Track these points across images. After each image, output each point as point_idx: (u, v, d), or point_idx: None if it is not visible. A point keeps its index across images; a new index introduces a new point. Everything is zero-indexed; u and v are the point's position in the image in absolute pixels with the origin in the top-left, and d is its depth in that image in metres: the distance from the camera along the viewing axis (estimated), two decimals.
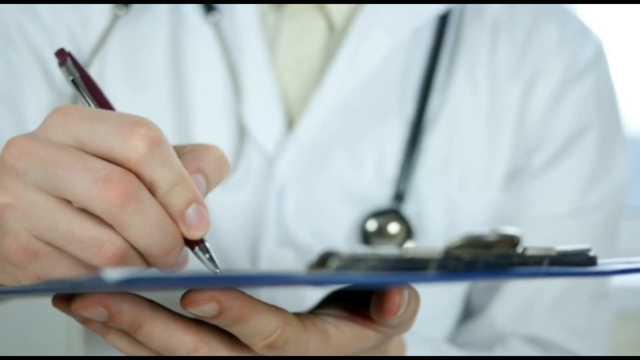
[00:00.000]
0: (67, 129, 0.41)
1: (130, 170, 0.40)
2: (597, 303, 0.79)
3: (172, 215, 0.41)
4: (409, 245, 0.73)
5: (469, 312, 0.80)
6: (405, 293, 0.43)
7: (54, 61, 0.47)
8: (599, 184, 0.78)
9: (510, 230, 0.38)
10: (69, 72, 0.45)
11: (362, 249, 0.37)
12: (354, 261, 0.37)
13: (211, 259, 0.44)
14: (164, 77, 0.74)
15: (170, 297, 0.44)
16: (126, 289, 0.38)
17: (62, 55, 0.46)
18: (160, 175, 0.41)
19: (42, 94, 0.73)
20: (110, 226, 0.41)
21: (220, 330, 0.42)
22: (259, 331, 0.41)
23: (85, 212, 0.41)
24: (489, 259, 0.38)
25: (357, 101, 0.74)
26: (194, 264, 0.45)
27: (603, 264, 0.42)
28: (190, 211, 0.41)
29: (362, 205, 0.73)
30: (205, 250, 0.43)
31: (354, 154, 0.73)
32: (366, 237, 0.73)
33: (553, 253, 0.40)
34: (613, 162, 0.79)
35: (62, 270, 0.42)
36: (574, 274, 0.44)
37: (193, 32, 0.74)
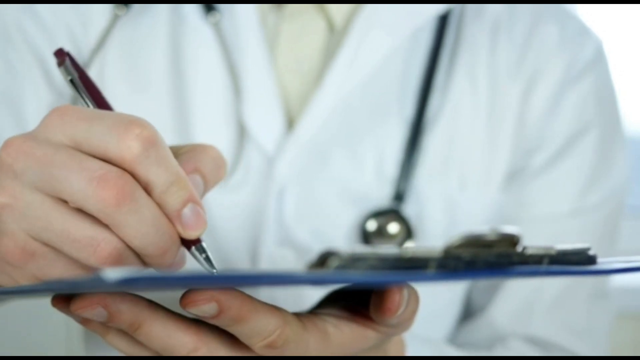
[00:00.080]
0: (65, 130, 0.41)
1: (125, 170, 0.40)
2: (597, 303, 0.79)
3: (168, 215, 0.41)
4: (409, 245, 0.73)
5: (468, 312, 0.80)
6: (405, 292, 0.43)
7: (54, 61, 0.47)
8: (599, 184, 0.78)
9: (509, 229, 0.38)
10: (67, 71, 0.45)
11: (361, 249, 0.37)
12: (353, 260, 0.37)
13: (208, 259, 0.43)
14: (164, 77, 0.74)
15: (169, 297, 0.44)
16: (125, 289, 0.38)
17: (61, 55, 0.46)
18: (156, 175, 0.41)
19: (42, 94, 0.73)
20: (106, 226, 0.41)
21: (220, 330, 0.42)
22: (259, 331, 0.41)
23: (82, 212, 0.41)
24: (488, 258, 0.38)
25: (357, 101, 0.74)
26: (191, 264, 0.45)
27: (603, 262, 0.42)
28: (187, 211, 0.41)
29: (362, 205, 0.73)
30: (202, 250, 0.43)
31: (354, 154, 0.73)
32: (366, 237, 0.73)
33: (553, 252, 0.40)
34: (613, 162, 0.79)
35: (59, 271, 0.42)
36: (574, 273, 0.44)
37: (193, 32, 0.74)
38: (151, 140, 0.41)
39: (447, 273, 0.37)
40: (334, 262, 0.36)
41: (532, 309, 0.76)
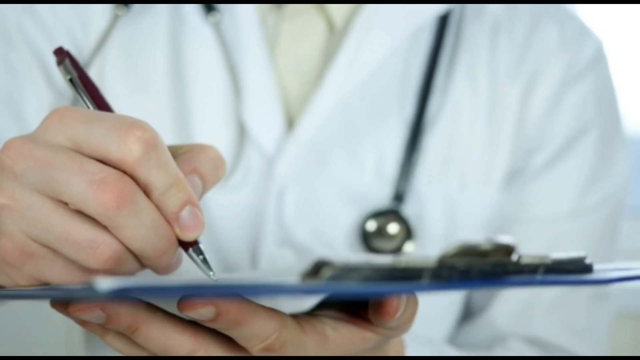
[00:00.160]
0: (64, 131, 0.41)
1: (125, 172, 0.41)
2: (597, 303, 0.79)
3: (166, 217, 0.42)
4: (409, 245, 0.73)
5: (468, 313, 0.80)
6: (403, 296, 0.43)
7: (54, 61, 0.47)
8: (599, 184, 0.78)
9: (504, 239, 0.37)
10: (66, 70, 0.45)
11: (355, 258, 0.36)
12: (347, 271, 0.36)
13: (205, 260, 0.43)
14: (164, 77, 0.74)
15: (167, 300, 0.44)
16: (118, 299, 0.37)
17: (61, 54, 0.46)
18: (156, 177, 0.41)
19: (42, 94, 0.73)
20: (105, 228, 0.41)
21: (218, 332, 0.42)
22: (257, 334, 0.41)
23: (81, 214, 0.41)
24: (483, 268, 0.37)
25: (357, 101, 0.74)
26: (187, 264, 0.45)
27: (599, 270, 0.42)
28: (185, 213, 0.42)
29: (362, 205, 0.73)
30: (199, 252, 0.43)
31: (353, 154, 0.73)
32: (366, 238, 0.73)
33: (548, 261, 0.39)
34: (613, 163, 0.79)
35: (57, 272, 0.42)
36: (569, 283, 0.44)
37: (193, 32, 0.74)
38: (152, 143, 0.41)
39: (442, 283, 0.37)
40: (327, 273, 0.36)
41: (532, 309, 0.76)
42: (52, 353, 1.33)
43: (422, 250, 0.73)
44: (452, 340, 0.78)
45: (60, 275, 0.42)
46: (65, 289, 0.36)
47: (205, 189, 0.46)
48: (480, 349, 0.76)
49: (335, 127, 0.73)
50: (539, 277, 0.39)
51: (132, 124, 0.41)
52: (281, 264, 0.72)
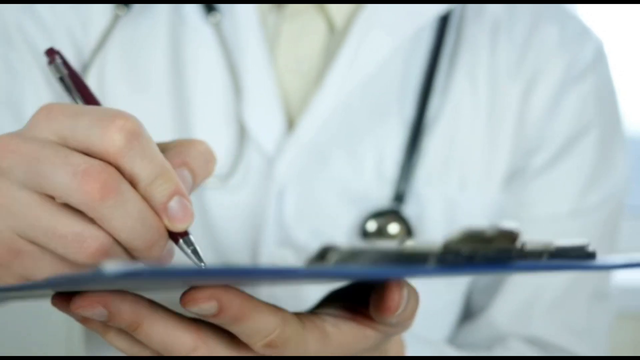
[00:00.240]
0: (50, 126, 0.41)
1: (110, 163, 0.40)
2: (597, 303, 0.79)
3: (154, 208, 0.41)
4: (409, 240, 0.73)
5: (468, 313, 0.80)
6: (405, 291, 0.43)
7: None
8: (599, 184, 0.78)
9: (509, 225, 0.38)
10: (57, 69, 0.46)
11: (361, 244, 0.37)
12: (353, 255, 0.37)
13: (195, 251, 0.43)
14: (164, 77, 0.74)
15: (169, 297, 0.44)
16: (125, 283, 0.37)
17: (51, 54, 0.46)
18: (141, 167, 0.41)
19: (42, 94, 0.73)
20: (93, 222, 0.41)
21: (220, 329, 0.42)
22: (259, 330, 0.41)
23: (69, 208, 0.41)
24: (488, 254, 0.38)
25: (358, 102, 0.74)
26: (179, 257, 0.45)
27: (602, 259, 0.42)
28: (173, 203, 0.41)
29: (362, 205, 0.73)
30: (190, 243, 0.43)
31: (354, 155, 0.73)
32: (366, 238, 0.73)
33: (552, 248, 0.40)
34: (613, 163, 0.79)
35: (45, 269, 0.42)
36: (573, 267, 0.44)
37: (193, 32, 0.74)
38: (134, 133, 0.40)
39: (447, 267, 0.38)
40: (333, 257, 0.36)
41: (532, 309, 0.76)
42: (52, 353, 1.33)
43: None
44: (452, 340, 0.78)
45: (48, 272, 0.42)
46: (70, 276, 0.36)
47: (195, 183, 0.45)
48: (480, 349, 0.76)
49: (336, 127, 0.73)
50: (543, 262, 0.39)
51: (115, 115, 0.40)
52: (281, 264, 0.72)
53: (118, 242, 0.41)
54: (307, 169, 0.73)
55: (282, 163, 0.72)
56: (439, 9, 0.75)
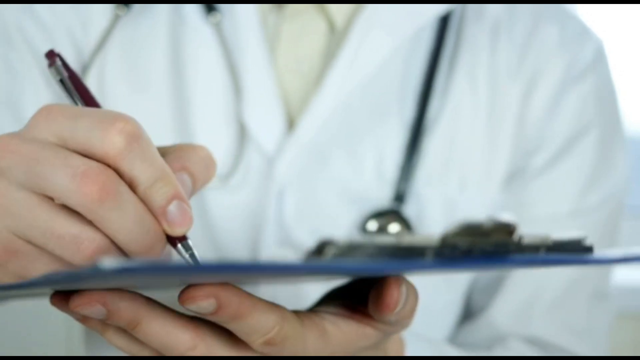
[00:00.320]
0: (50, 127, 0.41)
1: (109, 165, 0.40)
2: (597, 303, 0.79)
3: (153, 211, 0.41)
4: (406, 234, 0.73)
5: (468, 312, 0.80)
6: (404, 288, 0.43)
7: None
8: (599, 184, 0.78)
9: (506, 217, 0.38)
10: (57, 72, 0.46)
11: (359, 237, 0.37)
12: (350, 249, 0.37)
13: (193, 256, 0.43)
14: (165, 77, 0.74)
15: (168, 295, 0.44)
16: (123, 278, 0.37)
17: (52, 56, 0.46)
18: (140, 170, 0.41)
19: (42, 94, 0.73)
20: (91, 224, 0.40)
21: (219, 328, 0.42)
22: (257, 328, 0.41)
23: (67, 209, 0.41)
24: (485, 247, 0.38)
25: (358, 102, 0.74)
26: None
27: (600, 253, 0.42)
28: (172, 207, 0.41)
29: (362, 205, 0.73)
30: (188, 248, 0.43)
31: (354, 155, 0.73)
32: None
33: (549, 242, 0.40)
34: (613, 163, 0.79)
35: (42, 269, 0.42)
36: (571, 261, 0.44)
37: (193, 32, 0.74)
38: (134, 135, 0.40)
39: (444, 261, 0.38)
40: (330, 251, 0.36)
41: (532, 309, 0.76)
42: (52, 353, 1.33)
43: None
44: (452, 339, 0.78)
45: (45, 272, 0.42)
46: (67, 273, 0.36)
47: (195, 187, 0.45)
48: (480, 348, 0.76)
49: (336, 127, 0.73)
50: (540, 256, 0.40)
51: (115, 117, 0.40)
52: (278, 259, 0.72)
53: (116, 244, 0.41)
54: (307, 169, 0.73)
55: (282, 163, 0.72)
56: (439, 9, 0.75)
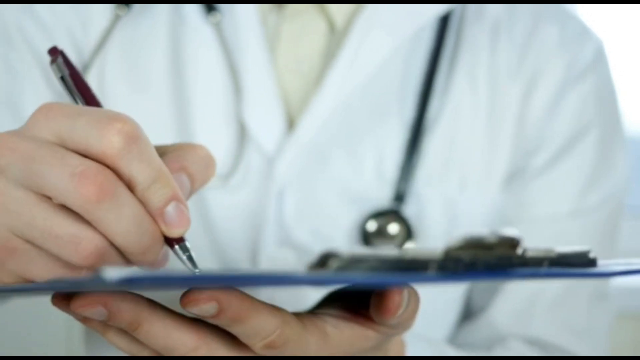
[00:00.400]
0: (49, 126, 0.41)
1: (107, 165, 0.40)
2: (597, 304, 0.79)
3: (151, 212, 0.41)
4: (409, 245, 0.73)
5: (469, 313, 0.80)
6: (405, 293, 0.43)
7: None
8: (599, 185, 0.78)
9: (510, 232, 0.38)
10: (58, 69, 0.45)
11: (362, 250, 0.37)
12: (354, 262, 0.36)
13: (190, 257, 0.43)
14: (165, 77, 0.74)
15: (169, 297, 0.44)
16: (126, 288, 0.37)
17: (54, 53, 0.46)
18: (138, 171, 0.40)
19: (42, 94, 0.73)
20: (89, 224, 0.40)
21: (220, 329, 0.42)
22: (259, 331, 0.41)
23: (66, 209, 0.40)
24: (489, 260, 0.38)
25: (358, 102, 0.74)
26: (173, 262, 0.45)
27: (603, 265, 0.42)
28: (170, 209, 0.41)
29: (362, 205, 0.73)
30: (185, 249, 0.43)
31: (354, 155, 0.73)
32: (366, 238, 0.73)
33: (553, 255, 0.40)
34: (613, 163, 0.79)
35: (40, 268, 0.42)
36: (574, 275, 0.44)
37: (193, 32, 0.74)
38: (133, 136, 0.40)
39: (448, 275, 0.37)
40: (334, 263, 0.36)
41: (533, 309, 0.76)
42: (52, 353, 1.33)
43: None
44: (452, 340, 0.78)
45: (43, 271, 0.42)
46: (70, 280, 0.36)
47: (194, 188, 0.45)
48: (480, 349, 0.76)
49: (336, 127, 0.73)
50: (544, 269, 0.39)
51: (114, 117, 0.40)
52: (281, 264, 0.72)
53: (113, 245, 0.41)
54: (307, 169, 0.73)
55: (282, 163, 0.72)
56: (439, 9, 0.75)
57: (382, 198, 0.73)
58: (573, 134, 0.77)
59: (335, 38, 0.75)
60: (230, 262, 0.73)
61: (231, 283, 0.38)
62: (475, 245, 0.37)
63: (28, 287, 0.42)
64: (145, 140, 0.41)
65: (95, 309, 0.40)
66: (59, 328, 1.33)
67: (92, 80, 0.73)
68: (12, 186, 0.41)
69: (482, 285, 0.78)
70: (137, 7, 0.74)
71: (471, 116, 0.75)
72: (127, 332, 0.42)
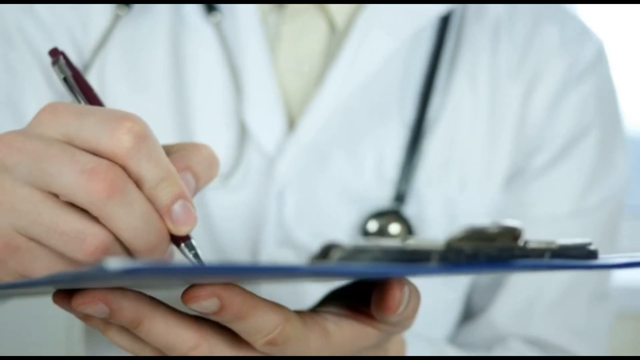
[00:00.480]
0: (56, 125, 0.41)
1: (117, 164, 0.40)
2: (597, 304, 0.79)
3: (158, 210, 0.41)
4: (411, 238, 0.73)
5: (469, 313, 0.80)
6: (406, 290, 0.43)
7: None
8: (599, 185, 0.78)
9: (511, 223, 0.38)
10: (61, 70, 0.46)
11: (364, 241, 0.37)
12: (356, 253, 0.37)
13: (197, 255, 0.43)
14: (165, 77, 0.74)
15: (171, 294, 0.44)
16: (128, 279, 0.37)
17: (55, 54, 0.46)
18: (147, 169, 0.41)
19: (42, 94, 0.73)
20: (95, 220, 0.40)
21: (222, 327, 0.42)
22: (260, 328, 0.41)
23: (72, 205, 0.41)
24: (490, 252, 0.38)
25: (358, 102, 0.74)
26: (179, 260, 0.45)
27: (604, 258, 0.43)
28: (177, 207, 0.41)
29: (363, 205, 0.73)
30: (191, 247, 0.43)
31: (354, 155, 0.73)
32: (367, 238, 0.73)
33: (554, 246, 0.40)
34: (613, 163, 0.79)
35: (43, 266, 0.42)
36: (576, 267, 0.44)
37: (194, 32, 0.74)
38: (142, 135, 0.41)
39: (450, 266, 0.38)
40: (336, 254, 0.37)
41: (533, 309, 0.76)
42: (52, 353, 1.33)
43: None
44: (452, 340, 0.78)
45: (45, 269, 0.42)
46: (72, 273, 0.36)
47: (198, 187, 0.46)
48: (480, 349, 0.76)
49: (336, 127, 0.73)
50: (545, 261, 0.40)
51: (123, 117, 0.41)
52: (283, 262, 0.72)
53: (119, 241, 0.41)
54: (308, 169, 0.73)
55: (282, 163, 0.72)
56: (440, 9, 0.75)
57: (383, 198, 0.73)
58: (573, 134, 0.77)
59: (336, 38, 0.75)
60: (232, 260, 0.73)
61: (233, 274, 0.38)
62: (477, 236, 0.37)
63: (29, 283, 0.42)
64: (154, 140, 0.41)
65: (96, 307, 0.40)
66: (59, 328, 1.33)
67: (92, 80, 0.73)
68: (18, 185, 0.41)
69: (483, 285, 0.78)
70: (137, 7, 0.74)
71: (471, 116, 0.75)
72: (128, 330, 0.42)
